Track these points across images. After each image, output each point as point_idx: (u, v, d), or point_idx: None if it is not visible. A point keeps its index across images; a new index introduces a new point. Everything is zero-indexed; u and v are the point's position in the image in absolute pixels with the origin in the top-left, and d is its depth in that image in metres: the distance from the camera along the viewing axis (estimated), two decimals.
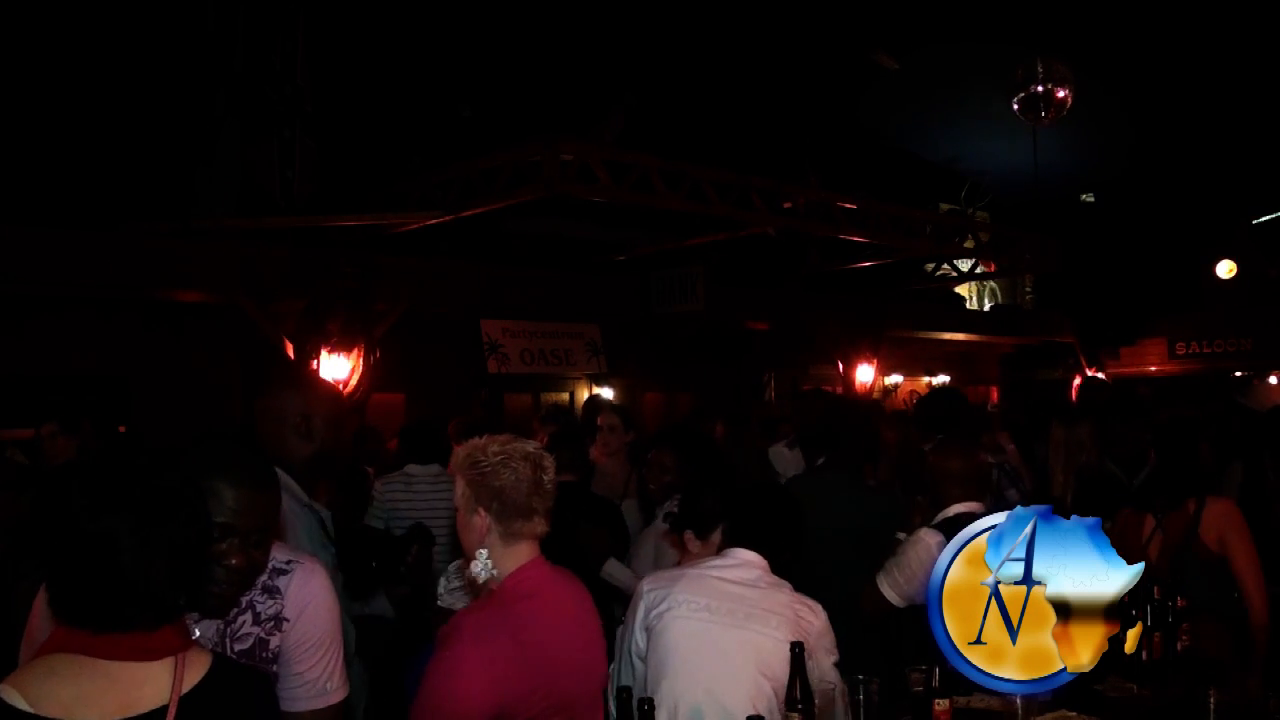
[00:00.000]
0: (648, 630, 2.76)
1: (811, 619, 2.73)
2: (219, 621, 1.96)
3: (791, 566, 2.89)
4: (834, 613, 2.96)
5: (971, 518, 3.16)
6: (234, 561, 1.82)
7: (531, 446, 2.27)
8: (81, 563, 1.43)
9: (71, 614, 1.45)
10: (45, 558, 1.46)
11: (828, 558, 3.70)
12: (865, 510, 3.99)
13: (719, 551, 2.94)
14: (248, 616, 1.98)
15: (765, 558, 2.83)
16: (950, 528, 3.19)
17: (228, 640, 1.95)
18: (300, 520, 2.60)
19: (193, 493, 1.55)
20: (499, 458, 2.20)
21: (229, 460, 1.84)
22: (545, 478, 2.22)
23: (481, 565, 2.23)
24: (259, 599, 1.98)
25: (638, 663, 2.80)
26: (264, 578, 2.00)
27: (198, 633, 1.91)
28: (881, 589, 3.36)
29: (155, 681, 1.46)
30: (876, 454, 4.57)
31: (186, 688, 1.48)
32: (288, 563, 2.05)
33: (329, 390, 3.78)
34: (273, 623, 1.97)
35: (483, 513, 2.20)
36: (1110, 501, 4.52)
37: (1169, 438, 4.09)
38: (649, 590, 2.81)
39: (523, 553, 2.23)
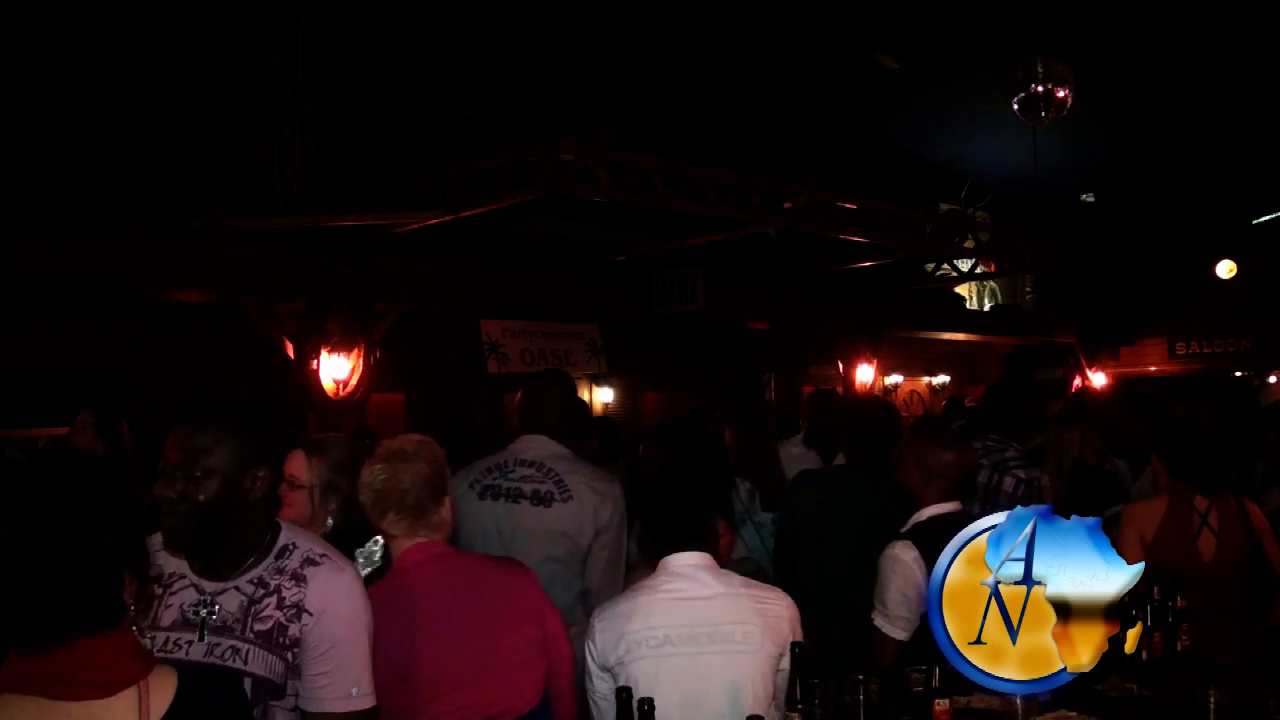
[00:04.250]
0: (610, 673, 2.53)
1: (778, 611, 2.54)
2: (244, 598, 1.99)
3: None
4: (850, 615, 2.84)
5: (950, 519, 3.07)
6: (169, 493, 1.93)
7: (419, 447, 2.54)
8: None
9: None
10: None
11: (845, 558, 3.64)
12: (889, 514, 3.81)
13: (654, 560, 2.64)
14: (273, 599, 1.99)
15: (704, 549, 2.56)
16: (925, 533, 3.07)
17: (250, 618, 1.97)
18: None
19: (116, 500, 1.46)
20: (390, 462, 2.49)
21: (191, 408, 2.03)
22: (439, 479, 2.51)
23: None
24: (286, 584, 2.00)
25: (604, 704, 2.55)
26: (296, 565, 2.02)
27: (181, 647, 1.96)
28: (884, 630, 3.08)
29: (119, 718, 1.35)
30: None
31: (155, 718, 1.38)
32: (321, 555, 2.06)
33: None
34: (294, 610, 1.98)
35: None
36: (1102, 499, 4.52)
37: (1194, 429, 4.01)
38: (600, 630, 2.55)
39: (420, 539, 2.48)
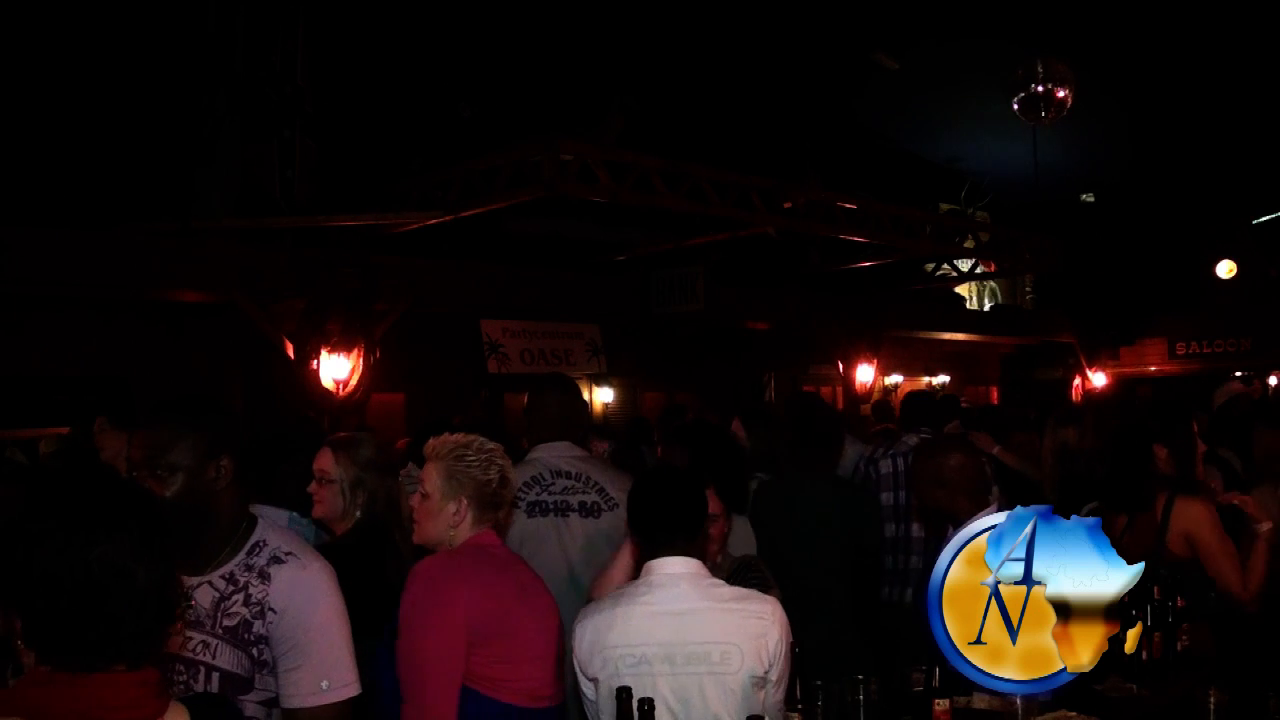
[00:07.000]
0: (593, 682, 2.49)
1: (763, 628, 2.41)
2: (216, 594, 2.04)
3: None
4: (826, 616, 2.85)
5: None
6: None
7: (496, 447, 2.57)
8: (64, 594, 1.28)
9: (47, 649, 1.29)
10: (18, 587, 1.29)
11: (808, 557, 3.68)
12: (847, 511, 3.94)
13: (641, 561, 2.56)
14: (240, 596, 2.04)
15: (693, 554, 2.48)
16: None
17: (219, 615, 2.02)
18: None
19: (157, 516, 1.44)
20: (485, 455, 2.51)
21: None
22: (511, 476, 2.56)
23: None
24: (254, 582, 2.05)
25: (589, 707, 2.54)
26: (263, 563, 2.06)
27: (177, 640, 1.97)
28: None
29: None
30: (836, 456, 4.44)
31: None
32: (286, 554, 2.09)
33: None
34: (259, 607, 2.02)
35: (463, 500, 2.45)
36: (1081, 499, 4.55)
37: (1125, 440, 3.92)
38: (579, 636, 2.50)
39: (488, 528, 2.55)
